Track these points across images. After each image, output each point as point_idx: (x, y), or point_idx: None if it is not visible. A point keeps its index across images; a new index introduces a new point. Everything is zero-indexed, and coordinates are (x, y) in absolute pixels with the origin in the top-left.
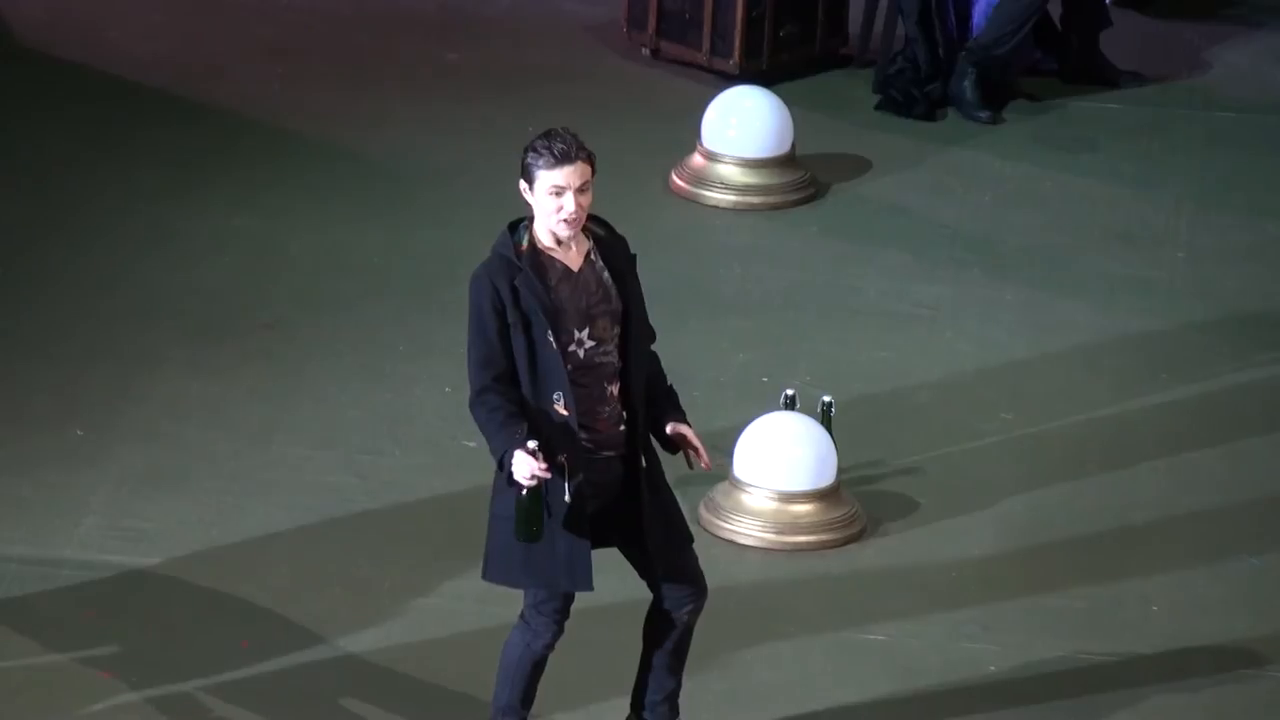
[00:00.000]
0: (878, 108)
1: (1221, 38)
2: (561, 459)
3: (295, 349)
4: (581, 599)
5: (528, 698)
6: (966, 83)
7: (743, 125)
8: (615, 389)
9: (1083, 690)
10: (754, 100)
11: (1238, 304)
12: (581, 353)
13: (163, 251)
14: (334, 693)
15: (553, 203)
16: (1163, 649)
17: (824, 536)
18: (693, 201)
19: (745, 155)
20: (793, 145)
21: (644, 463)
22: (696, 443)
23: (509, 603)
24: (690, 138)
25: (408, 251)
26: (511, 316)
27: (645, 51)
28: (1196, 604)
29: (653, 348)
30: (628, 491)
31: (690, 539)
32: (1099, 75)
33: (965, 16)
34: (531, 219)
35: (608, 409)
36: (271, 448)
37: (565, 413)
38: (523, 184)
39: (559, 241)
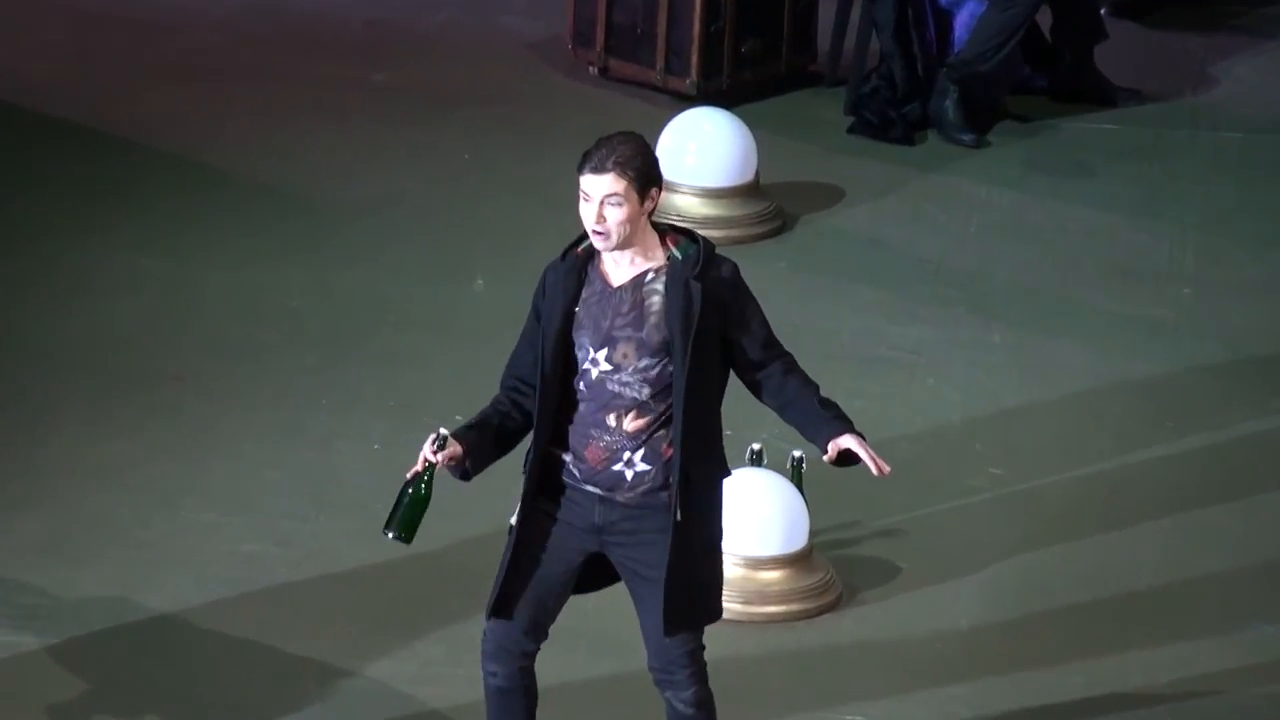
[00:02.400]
0: (850, 131)
1: (1228, 51)
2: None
3: (207, 402)
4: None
5: None
6: (948, 102)
7: (701, 151)
8: (627, 421)
9: None
10: (713, 123)
11: (1250, 345)
12: (594, 373)
13: (59, 296)
14: None
15: (582, 209)
16: None
17: (795, 606)
18: None
19: (704, 184)
20: (756, 173)
21: (678, 516)
22: (866, 454)
23: (447, 684)
24: None
25: (331, 294)
26: (541, 319)
27: (593, 70)
28: (1207, 678)
29: (785, 365)
30: (632, 537)
31: (704, 617)
32: (1094, 93)
33: (946, 30)
34: None
35: (605, 440)
36: (181, 513)
37: (538, 434)
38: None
39: (614, 259)
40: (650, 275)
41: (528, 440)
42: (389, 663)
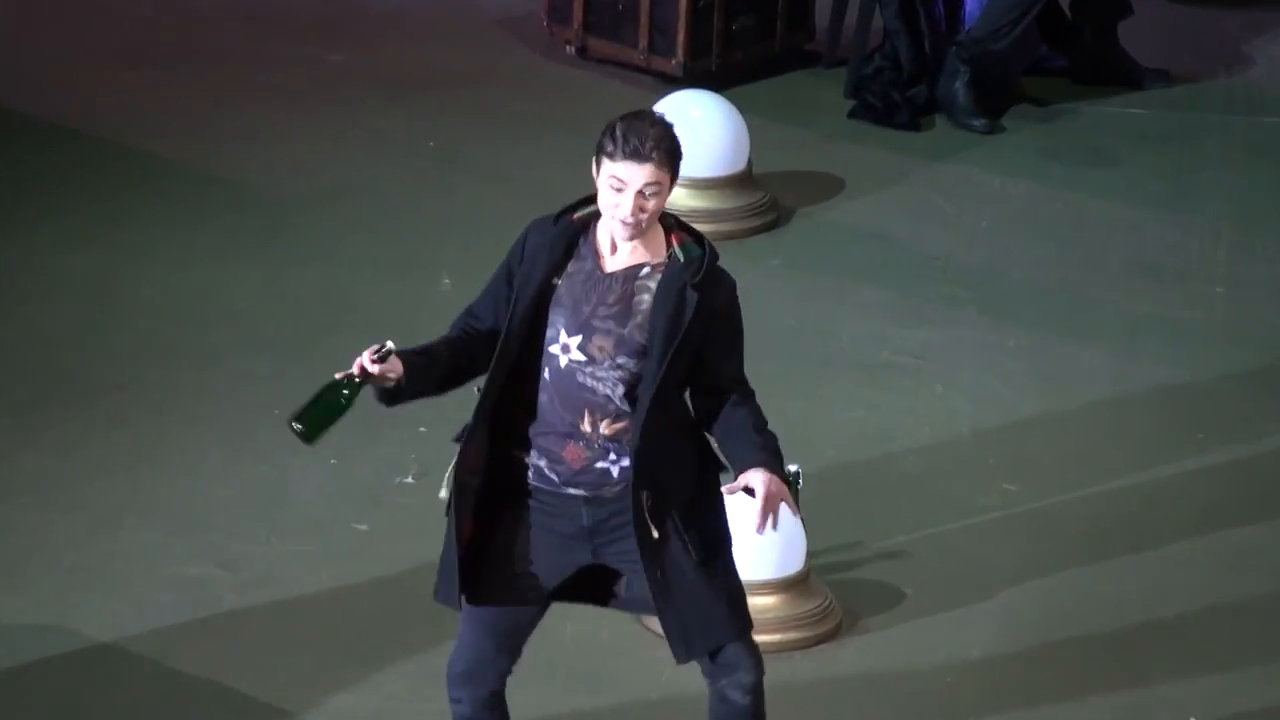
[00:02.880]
0: (851, 115)
1: (1266, 27)
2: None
3: (149, 414)
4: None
5: None
6: (958, 84)
7: (688, 138)
8: (607, 427)
9: None
10: (702, 108)
11: None
12: (563, 361)
13: None
14: None
15: (610, 197)
16: None
17: (791, 635)
18: None
19: (692, 174)
20: (749, 162)
21: (655, 534)
22: (761, 501)
23: None
24: None
25: (285, 294)
26: (515, 280)
27: (570, 49)
28: (1243, 713)
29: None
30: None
31: (738, 627)
32: (1118, 74)
33: (956, 6)
34: None
35: (582, 442)
36: (120, 534)
37: (478, 390)
38: (593, 160)
39: (614, 245)
40: (646, 270)
41: (460, 406)
42: (347, 697)
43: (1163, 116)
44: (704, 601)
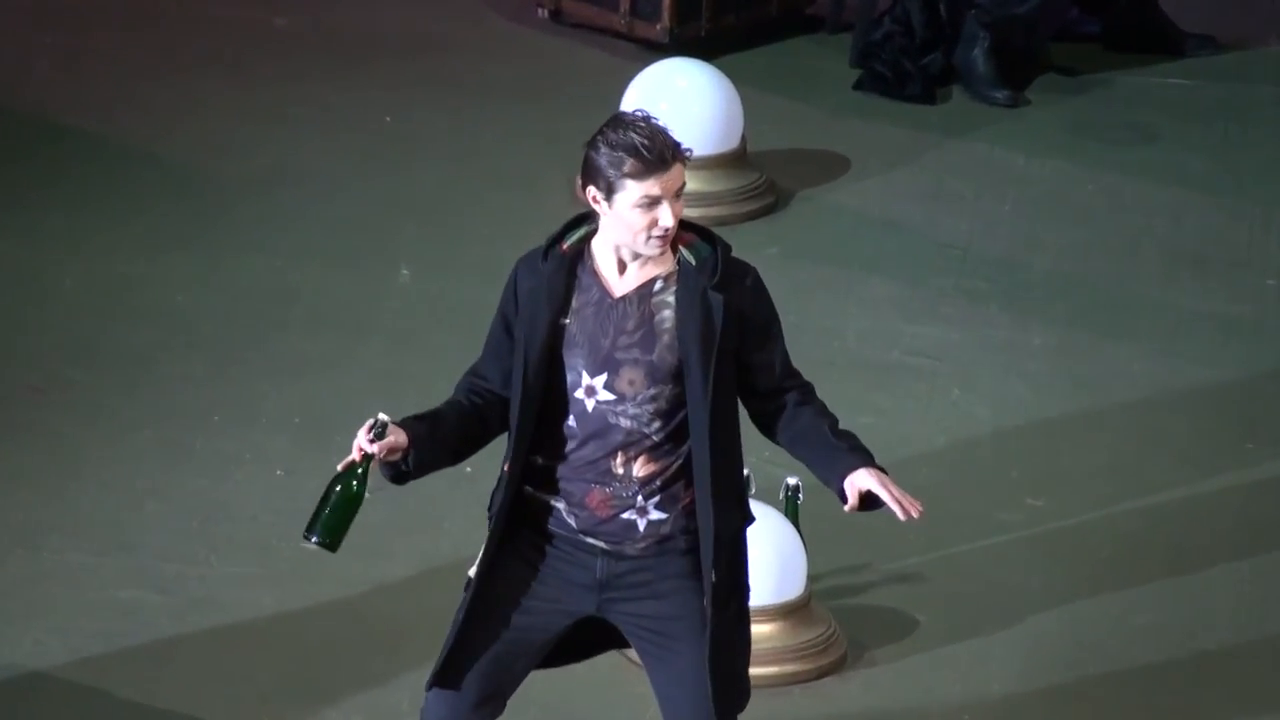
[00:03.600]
0: (857, 87)
1: None
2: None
3: (73, 420)
4: None
5: None
6: (978, 52)
7: (675, 112)
8: (638, 465)
9: None
10: (690, 78)
11: None
12: (590, 404)
13: None
14: None
15: (643, 218)
16: None
17: (790, 668)
18: None
19: None
20: (743, 139)
21: (713, 577)
22: (889, 494)
23: None
24: None
25: (223, 285)
26: (516, 329)
27: (543, 13)
28: None
29: (800, 393)
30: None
31: (739, 706)
32: (1157, 40)
33: None
34: (596, 220)
35: (611, 487)
36: (41, 553)
37: (505, 470)
38: (590, 190)
39: (622, 266)
40: (659, 284)
41: (490, 477)
42: None
43: (1207, 88)
44: (739, 660)
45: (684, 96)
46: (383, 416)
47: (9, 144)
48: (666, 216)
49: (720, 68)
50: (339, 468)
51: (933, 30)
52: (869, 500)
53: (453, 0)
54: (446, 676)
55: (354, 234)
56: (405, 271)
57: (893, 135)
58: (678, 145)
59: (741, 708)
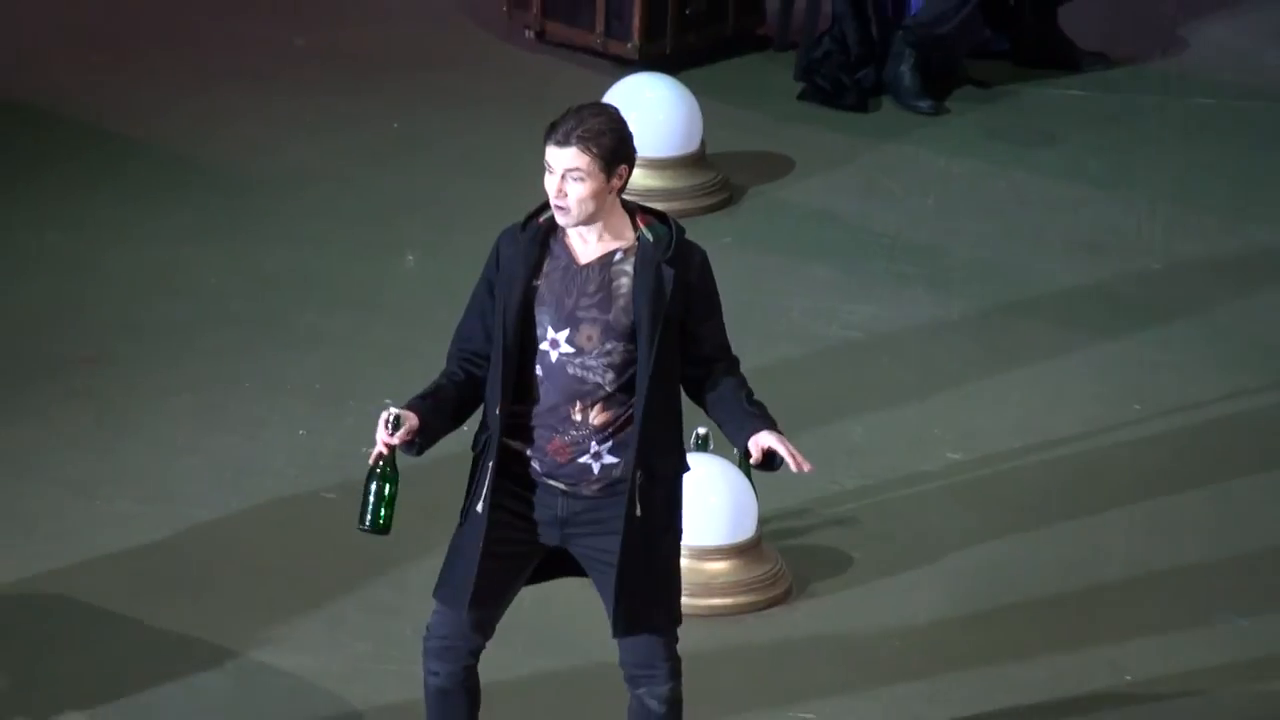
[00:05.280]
0: (801, 97)
1: (1201, 11)
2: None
3: (121, 387)
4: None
5: None
6: (904, 67)
7: (644, 119)
8: (593, 414)
9: None
10: (656, 90)
11: (1222, 323)
12: (553, 356)
13: None
14: None
15: (546, 180)
16: None
17: (743, 599)
18: None
19: (646, 154)
20: (702, 142)
21: (637, 511)
22: (785, 450)
23: (376, 680)
24: None
25: (252, 271)
26: (497, 289)
27: (529, 34)
28: (1176, 672)
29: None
30: (586, 530)
31: (669, 620)
32: (1058, 57)
33: None
34: None
35: (570, 434)
36: (95, 503)
37: (498, 414)
38: None
39: (582, 234)
40: (619, 255)
41: (476, 418)
42: (315, 658)
43: (1101, 98)
44: (653, 588)
45: (651, 106)
46: (394, 410)
47: (64, 146)
48: (551, 186)
49: (682, 81)
50: (370, 462)
51: (865, 48)
52: (769, 458)
53: (450, 22)
54: (452, 596)
55: (365, 225)
56: (410, 258)
57: (831, 139)
58: (581, 134)
59: (667, 624)
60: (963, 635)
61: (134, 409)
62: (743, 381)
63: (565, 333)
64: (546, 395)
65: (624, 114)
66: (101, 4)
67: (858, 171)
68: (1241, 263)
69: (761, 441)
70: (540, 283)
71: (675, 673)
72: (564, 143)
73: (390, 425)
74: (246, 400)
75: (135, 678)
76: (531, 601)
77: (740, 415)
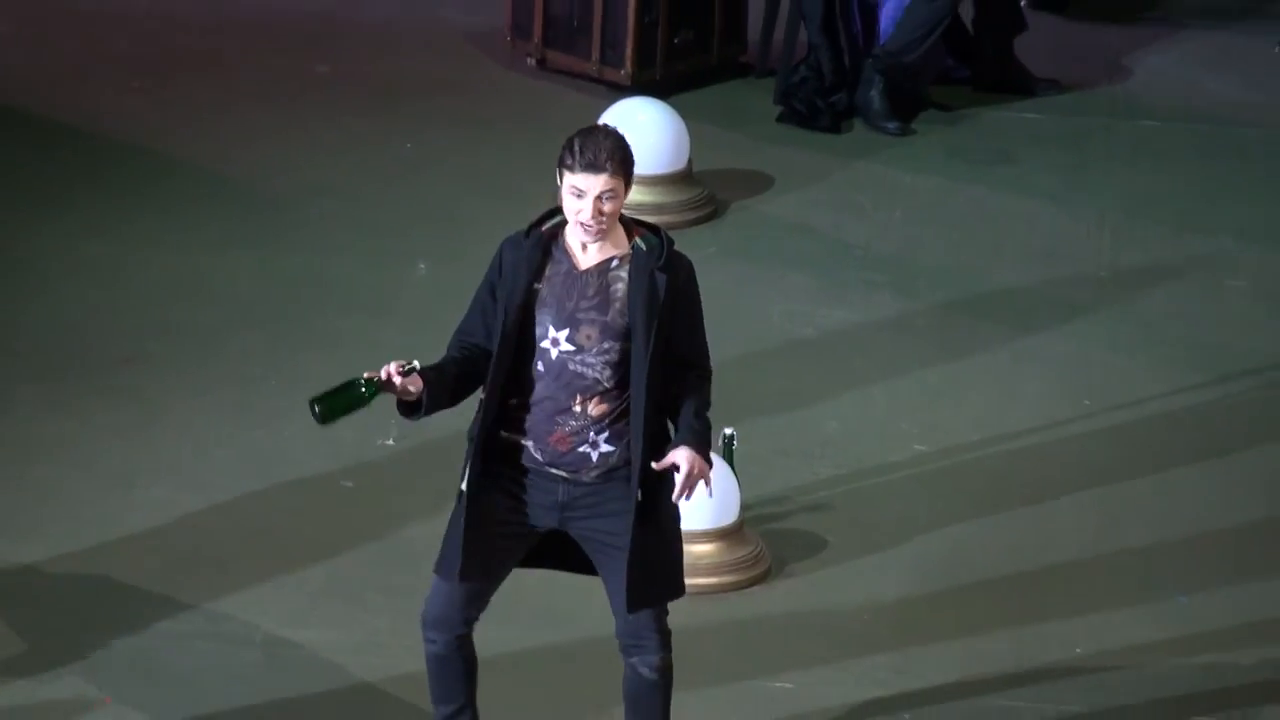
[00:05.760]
0: (779, 120)
1: (1144, 41)
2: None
3: (157, 384)
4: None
5: (444, 696)
6: (874, 92)
7: (636, 140)
8: (591, 406)
9: None
10: (647, 113)
11: (1165, 326)
12: (554, 353)
13: (9, 281)
14: None
15: (573, 204)
16: (1089, 695)
17: (727, 578)
18: None
19: (639, 172)
20: (689, 160)
21: (639, 495)
22: (681, 474)
23: (390, 654)
24: None
25: (277, 277)
26: (499, 292)
27: (530, 61)
28: (1124, 646)
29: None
30: (595, 509)
31: (666, 595)
32: (1014, 83)
33: (872, 22)
34: None
35: (570, 425)
36: (134, 490)
37: (494, 404)
38: (556, 172)
39: (584, 244)
40: (615, 262)
41: (472, 406)
42: (334, 632)
43: (1054, 120)
44: (655, 567)
45: (643, 127)
46: (415, 363)
47: (106, 163)
48: (586, 210)
49: (671, 104)
50: (364, 375)
51: (838, 75)
52: (673, 470)
53: (458, 52)
54: (449, 571)
55: (380, 236)
56: (422, 266)
57: (807, 158)
58: (612, 159)
59: (670, 598)
60: (928, 611)
61: (168, 404)
62: (704, 396)
63: (565, 332)
64: (546, 389)
65: None
66: (139, 33)
67: (831, 188)
68: (1181, 271)
69: (673, 455)
70: (541, 286)
71: (666, 644)
72: (598, 168)
73: (404, 367)
74: (270, 396)
75: (171, 649)
76: (536, 580)
77: (681, 427)
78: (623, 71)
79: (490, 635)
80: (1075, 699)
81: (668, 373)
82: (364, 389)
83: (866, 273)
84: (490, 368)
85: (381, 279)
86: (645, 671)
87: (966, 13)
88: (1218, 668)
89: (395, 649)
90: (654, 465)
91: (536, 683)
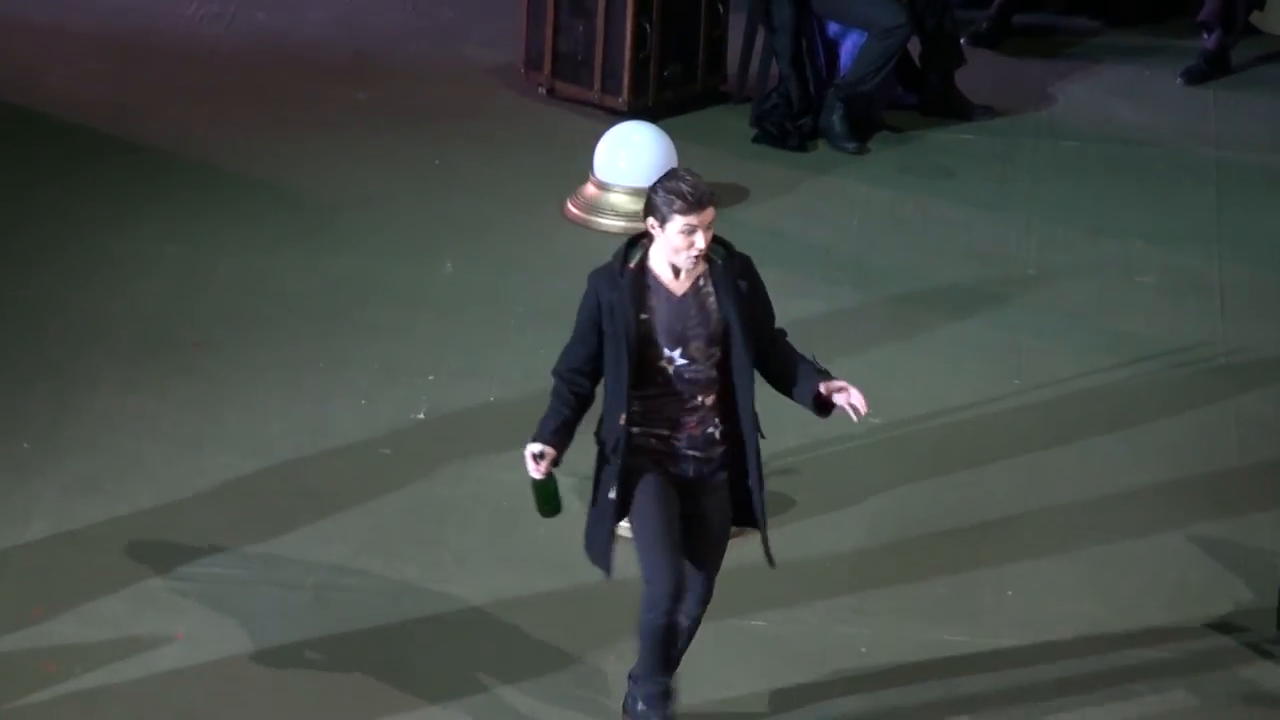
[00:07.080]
0: (754, 140)
1: (1065, 73)
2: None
3: (222, 365)
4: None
5: (658, 665)
6: (835, 116)
7: (631, 157)
8: (709, 399)
9: (947, 669)
10: (641, 134)
11: (1083, 315)
12: (672, 369)
13: (98, 276)
14: (258, 685)
15: (684, 240)
16: (1017, 630)
17: None
18: (585, 228)
19: (634, 184)
20: None
21: (758, 469)
22: (850, 391)
23: (420, 597)
24: (583, 169)
25: (325, 275)
26: (605, 326)
27: (541, 91)
28: (1047, 589)
29: (785, 340)
30: (707, 488)
31: (720, 554)
32: (955, 109)
33: (833, 57)
34: (649, 240)
35: (697, 415)
36: (202, 456)
37: (622, 423)
38: (650, 220)
39: (675, 271)
40: (702, 280)
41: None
42: (373, 579)
43: (989, 141)
44: (721, 531)
45: (638, 146)
46: (536, 447)
47: (179, 178)
48: (701, 241)
49: (662, 127)
50: (534, 478)
51: (805, 102)
52: (827, 405)
53: (478, 82)
54: (665, 577)
55: (413, 239)
56: (448, 265)
57: (778, 173)
58: (711, 192)
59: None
60: (881, 560)
61: (232, 382)
62: (801, 356)
63: (679, 350)
64: (678, 392)
65: (615, 153)
66: (206, 68)
67: (799, 198)
68: (1098, 268)
69: (838, 383)
70: (647, 316)
71: (709, 599)
72: (705, 205)
73: (537, 458)
74: (320, 377)
75: (234, 592)
76: (544, 534)
77: (811, 372)
78: (620, 99)
79: (505, 582)
80: (1006, 634)
81: (760, 349)
82: (546, 483)
83: (828, 270)
84: (612, 390)
85: (414, 276)
86: (684, 620)
87: (915, 48)
88: (1126, 605)
89: (425, 593)
90: (822, 389)
91: (547, 623)
